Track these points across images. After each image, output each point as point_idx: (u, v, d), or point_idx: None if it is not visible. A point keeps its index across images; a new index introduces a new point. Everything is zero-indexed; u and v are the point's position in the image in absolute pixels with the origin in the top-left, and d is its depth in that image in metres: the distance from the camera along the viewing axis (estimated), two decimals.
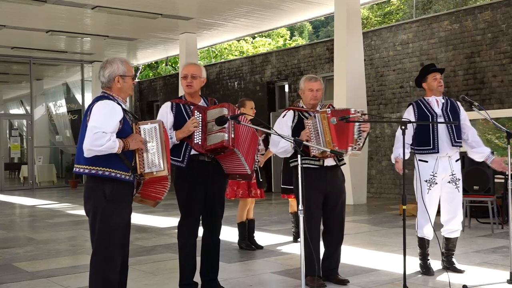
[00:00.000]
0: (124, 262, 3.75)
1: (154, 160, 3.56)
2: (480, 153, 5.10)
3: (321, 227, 4.89)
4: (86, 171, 3.49)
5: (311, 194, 4.61)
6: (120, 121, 3.48)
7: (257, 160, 4.49)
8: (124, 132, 3.52)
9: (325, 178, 4.71)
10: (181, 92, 15.83)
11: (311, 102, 4.78)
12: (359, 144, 4.56)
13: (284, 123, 4.78)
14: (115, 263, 3.59)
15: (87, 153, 3.42)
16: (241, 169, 4.34)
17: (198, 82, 4.44)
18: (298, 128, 4.70)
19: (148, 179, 3.61)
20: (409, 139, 5.04)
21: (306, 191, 4.59)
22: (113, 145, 3.39)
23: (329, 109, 4.69)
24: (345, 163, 4.91)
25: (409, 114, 5.12)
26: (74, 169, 3.57)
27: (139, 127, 3.63)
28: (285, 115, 4.82)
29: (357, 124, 4.54)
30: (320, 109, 4.85)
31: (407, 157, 4.84)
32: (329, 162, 4.71)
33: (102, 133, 3.35)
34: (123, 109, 3.59)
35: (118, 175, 3.49)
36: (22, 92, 20.81)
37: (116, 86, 3.61)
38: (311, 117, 4.66)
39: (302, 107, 4.83)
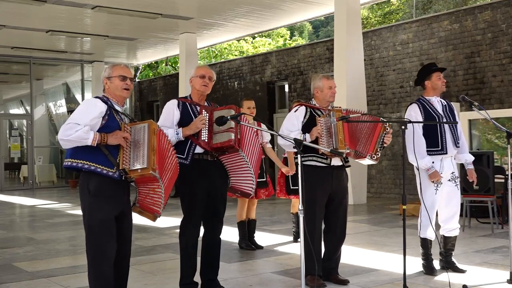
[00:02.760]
0: (125, 259, 3.78)
1: (138, 158, 3.57)
2: (463, 158, 5.18)
3: (323, 226, 4.90)
4: (69, 163, 3.60)
5: (317, 193, 4.62)
6: (103, 117, 3.59)
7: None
8: (108, 128, 3.60)
9: (332, 178, 4.71)
10: (181, 92, 15.90)
11: (331, 99, 4.81)
12: (377, 154, 4.57)
13: (295, 117, 4.79)
14: (107, 257, 3.63)
15: (61, 144, 3.55)
16: (247, 186, 4.34)
17: (211, 85, 4.50)
18: (309, 124, 4.70)
19: (137, 179, 3.64)
20: (421, 138, 4.98)
21: (312, 190, 4.60)
22: (85, 136, 3.48)
23: (344, 108, 4.72)
24: (350, 165, 4.91)
25: (416, 113, 5.03)
26: (64, 163, 3.70)
27: (129, 127, 3.68)
28: (297, 110, 4.83)
29: (381, 134, 4.55)
30: (333, 107, 4.88)
31: (429, 159, 4.85)
32: (336, 162, 4.72)
33: (73, 124, 3.49)
34: (114, 109, 3.69)
35: (99, 169, 3.54)
36: (22, 92, 20.82)
37: (106, 88, 3.80)
38: (323, 115, 4.67)
39: (315, 104, 4.84)
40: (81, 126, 3.48)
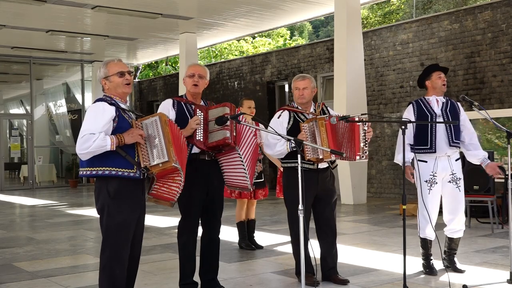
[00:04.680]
0: (135, 260, 3.76)
1: (158, 152, 3.53)
2: (476, 156, 5.09)
3: (314, 227, 4.94)
4: (88, 173, 3.53)
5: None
6: (114, 120, 3.52)
7: (256, 172, 4.46)
8: (120, 129, 3.53)
9: (317, 180, 4.72)
10: (181, 92, 15.87)
11: (298, 100, 4.80)
12: (365, 152, 4.56)
13: (279, 123, 4.76)
14: (122, 260, 3.59)
15: (81, 157, 3.49)
16: (242, 181, 4.33)
17: (203, 83, 4.47)
18: (293, 130, 4.69)
19: (159, 173, 3.59)
20: (410, 139, 5.03)
21: (297, 192, 4.57)
22: (103, 143, 3.41)
23: (327, 115, 4.68)
24: (337, 165, 4.92)
25: (409, 113, 5.08)
26: (79, 173, 3.63)
27: (140, 123, 3.63)
28: (280, 115, 4.81)
29: (361, 132, 4.52)
30: (315, 109, 4.85)
31: (411, 158, 4.86)
32: (322, 164, 4.73)
33: (89, 135, 3.40)
34: (121, 108, 3.60)
35: (120, 173, 3.49)
36: (22, 92, 20.82)
37: (105, 88, 3.71)
38: (307, 120, 4.65)
39: (297, 107, 4.83)
40: (96, 135, 3.40)
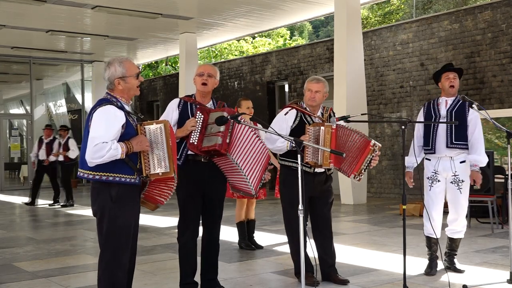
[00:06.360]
0: (131, 261, 3.73)
1: (160, 161, 3.51)
2: (469, 158, 5.07)
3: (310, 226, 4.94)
4: (90, 176, 3.47)
5: (297, 195, 4.61)
6: (122, 126, 3.45)
7: (263, 179, 4.38)
8: (128, 135, 3.48)
9: (313, 181, 4.69)
10: (181, 92, 15.89)
11: (308, 102, 4.76)
12: (361, 175, 4.52)
13: (284, 120, 4.73)
14: (123, 263, 3.56)
15: (89, 164, 3.41)
16: (244, 186, 4.29)
17: (212, 82, 4.46)
18: (298, 130, 4.66)
19: (156, 179, 3.58)
20: (420, 141, 5.17)
21: (292, 192, 4.52)
22: (115, 153, 3.35)
23: (335, 124, 4.61)
24: (332, 172, 4.88)
25: (419, 114, 5.27)
26: (78, 173, 3.55)
27: (144, 128, 3.57)
28: (287, 112, 4.77)
29: (369, 156, 4.45)
30: (322, 113, 4.83)
31: (416, 162, 4.93)
32: (319, 169, 4.71)
33: (102, 144, 3.33)
34: (126, 111, 3.53)
35: (123, 179, 3.46)
36: (22, 92, 20.82)
37: (118, 88, 3.56)
38: (313, 124, 4.62)
39: (305, 108, 4.80)
40: (109, 144, 3.33)
